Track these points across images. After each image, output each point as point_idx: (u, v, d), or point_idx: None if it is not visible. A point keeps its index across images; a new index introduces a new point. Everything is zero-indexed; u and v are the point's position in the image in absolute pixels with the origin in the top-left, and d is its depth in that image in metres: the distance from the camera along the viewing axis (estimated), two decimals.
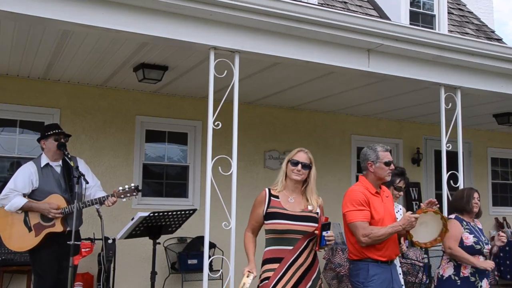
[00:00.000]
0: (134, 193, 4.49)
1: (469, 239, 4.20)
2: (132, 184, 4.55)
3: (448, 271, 4.27)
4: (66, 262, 4.01)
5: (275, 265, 3.30)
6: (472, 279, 4.17)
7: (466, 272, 4.18)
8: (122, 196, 4.45)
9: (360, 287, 3.64)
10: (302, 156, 3.46)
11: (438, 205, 3.88)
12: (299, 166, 3.43)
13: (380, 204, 3.77)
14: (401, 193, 4.54)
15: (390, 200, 3.96)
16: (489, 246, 4.28)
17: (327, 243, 3.25)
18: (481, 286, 4.17)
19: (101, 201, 4.38)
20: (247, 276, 3.26)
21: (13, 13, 3.68)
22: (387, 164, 3.79)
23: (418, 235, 3.75)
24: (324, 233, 3.23)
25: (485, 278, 4.20)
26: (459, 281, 4.19)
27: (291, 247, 3.31)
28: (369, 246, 3.64)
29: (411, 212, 3.69)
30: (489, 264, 4.18)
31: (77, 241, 4.02)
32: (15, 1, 3.64)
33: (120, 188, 4.47)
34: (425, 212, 3.76)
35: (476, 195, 4.37)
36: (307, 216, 3.37)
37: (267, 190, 3.47)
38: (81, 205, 4.29)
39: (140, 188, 4.62)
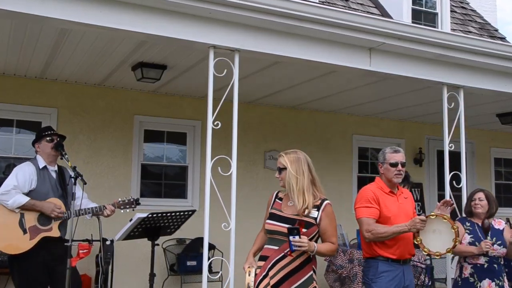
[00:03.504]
0: (133, 205, 4.54)
1: (466, 239, 4.21)
2: (131, 196, 4.60)
3: (456, 273, 4.32)
4: (59, 267, 3.93)
5: (263, 263, 3.37)
6: (471, 279, 4.17)
7: (466, 273, 4.20)
8: (122, 207, 4.50)
9: (369, 283, 3.77)
10: (279, 161, 3.49)
11: (453, 206, 3.93)
12: (277, 173, 3.48)
13: (393, 203, 3.87)
14: None
15: (409, 201, 4.04)
16: (497, 247, 4.15)
17: (295, 248, 3.20)
18: (480, 286, 4.14)
19: (101, 209, 4.38)
20: (249, 275, 3.28)
21: (11, 12, 3.61)
22: (392, 165, 3.91)
23: (430, 242, 3.74)
24: (291, 238, 3.18)
25: (487, 279, 4.13)
26: (460, 282, 4.25)
27: (277, 247, 3.34)
28: (379, 244, 3.75)
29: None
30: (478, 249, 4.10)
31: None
32: None
33: (120, 199, 4.51)
34: (434, 216, 3.74)
35: (478, 195, 4.33)
36: (290, 219, 3.34)
37: (275, 192, 3.55)
38: (81, 212, 4.25)
39: (139, 202, 4.65)
